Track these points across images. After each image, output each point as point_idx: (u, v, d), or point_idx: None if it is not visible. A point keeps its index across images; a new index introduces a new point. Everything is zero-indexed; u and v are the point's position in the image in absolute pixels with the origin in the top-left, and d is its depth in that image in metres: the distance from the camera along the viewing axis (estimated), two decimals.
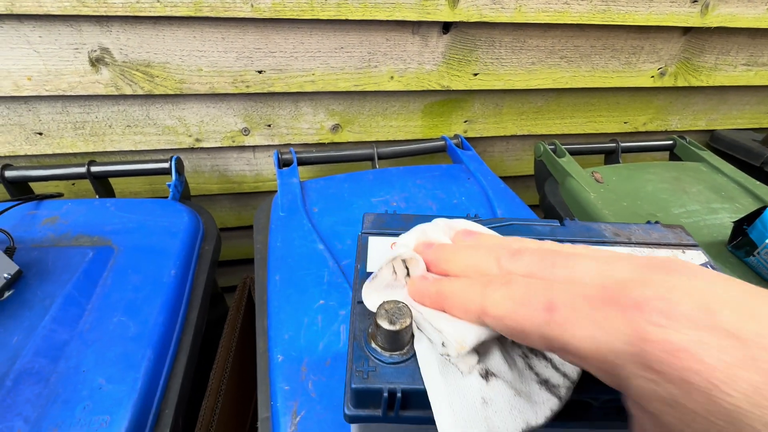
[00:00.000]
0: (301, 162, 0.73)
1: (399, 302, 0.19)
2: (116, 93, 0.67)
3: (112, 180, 0.73)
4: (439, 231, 0.24)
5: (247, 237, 0.94)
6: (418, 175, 0.71)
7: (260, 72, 0.69)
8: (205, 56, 0.66)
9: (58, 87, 0.64)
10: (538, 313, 0.15)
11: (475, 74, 0.77)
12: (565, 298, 0.15)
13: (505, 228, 0.28)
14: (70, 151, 0.73)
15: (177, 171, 0.68)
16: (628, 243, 0.27)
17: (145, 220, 0.61)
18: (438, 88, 0.77)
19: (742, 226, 0.59)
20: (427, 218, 0.28)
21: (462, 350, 0.17)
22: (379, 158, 0.77)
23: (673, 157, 0.90)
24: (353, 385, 0.18)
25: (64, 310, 0.47)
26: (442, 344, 0.18)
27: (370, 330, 0.20)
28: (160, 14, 0.59)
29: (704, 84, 0.89)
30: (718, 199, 0.73)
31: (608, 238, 0.27)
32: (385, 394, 0.18)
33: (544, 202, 0.81)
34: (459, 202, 0.65)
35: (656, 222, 0.30)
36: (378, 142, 0.84)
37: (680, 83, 0.88)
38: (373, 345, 0.20)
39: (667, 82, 0.87)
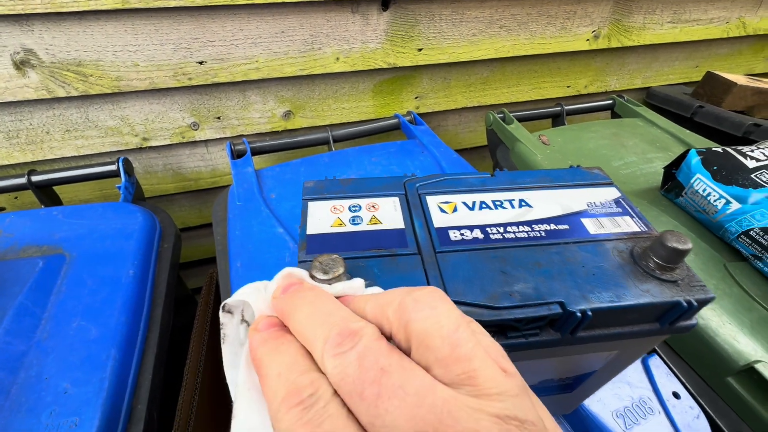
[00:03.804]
0: (256, 152, 0.73)
1: (332, 255, 0.20)
2: (49, 96, 0.63)
3: (58, 189, 0.70)
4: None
5: (211, 235, 0.93)
6: (373, 153, 0.72)
7: (201, 63, 0.67)
8: (140, 50, 0.63)
9: None
10: None
11: (420, 49, 0.79)
12: None
13: (439, 183, 0.29)
14: (7, 163, 0.69)
15: (126, 172, 0.66)
16: (552, 186, 0.30)
17: (96, 224, 0.59)
18: (385, 66, 0.78)
19: (671, 170, 0.64)
20: (367, 181, 0.30)
21: None
22: (335, 141, 0.77)
23: (615, 115, 0.96)
24: None
25: (18, 322, 0.46)
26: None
27: None
28: (84, 9, 0.56)
29: (636, 43, 0.95)
30: (653, 149, 0.79)
31: (533, 183, 0.30)
32: None
33: (496, 168, 0.84)
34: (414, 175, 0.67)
35: (578, 166, 0.32)
36: (332, 126, 0.84)
37: (614, 44, 0.92)
38: None
39: (601, 44, 0.91)
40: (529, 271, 0.23)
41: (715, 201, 0.56)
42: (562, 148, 0.79)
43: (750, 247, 0.52)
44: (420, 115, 0.91)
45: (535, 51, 0.87)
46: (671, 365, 0.48)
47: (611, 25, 0.89)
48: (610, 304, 0.21)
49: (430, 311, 0.15)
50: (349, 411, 0.14)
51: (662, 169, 0.66)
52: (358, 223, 0.25)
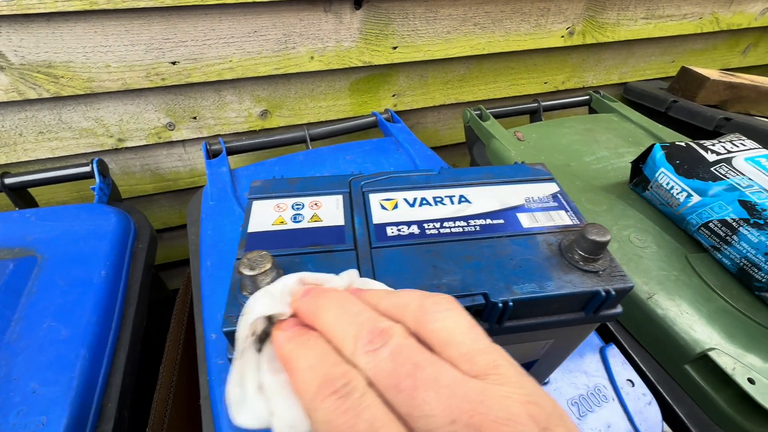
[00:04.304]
0: (232, 151, 0.73)
1: (261, 251, 0.21)
2: (20, 98, 0.63)
3: (35, 191, 0.70)
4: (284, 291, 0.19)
5: None
6: (348, 151, 0.73)
7: (174, 63, 0.68)
8: (111, 51, 0.63)
9: None
10: None
11: (395, 47, 0.79)
12: None
13: (384, 180, 0.30)
14: None
15: (100, 173, 0.67)
16: (493, 182, 0.31)
17: (69, 226, 0.59)
18: (360, 64, 0.79)
19: (638, 165, 0.65)
20: (314, 180, 0.30)
21: None
22: (312, 140, 0.78)
23: (591, 111, 0.97)
24: (223, 329, 0.20)
25: None
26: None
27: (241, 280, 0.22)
28: (52, 10, 0.56)
29: (611, 39, 0.96)
30: (625, 144, 0.80)
31: (476, 179, 0.31)
32: None
33: (472, 164, 0.85)
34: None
35: (522, 162, 0.33)
36: (310, 125, 0.84)
37: (589, 41, 0.94)
38: (244, 293, 0.22)
39: (576, 40, 0.93)
40: (459, 264, 0.24)
41: (677, 194, 0.57)
42: (536, 144, 0.80)
43: (709, 238, 0.54)
44: (398, 112, 0.91)
45: (511, 48, 0.88)
46: (632, 353, 0.49)
47: (585, 21, 0.90)
48: (531, 295, 0.22)
49: (448, 312, 0.16)
50: (385, 402, 0.14)
51: (630, 164, 0.67)
52: (300, 221, 0.26)
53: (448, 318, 0.16)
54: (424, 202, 0.28)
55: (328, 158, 0.71)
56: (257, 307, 0.18)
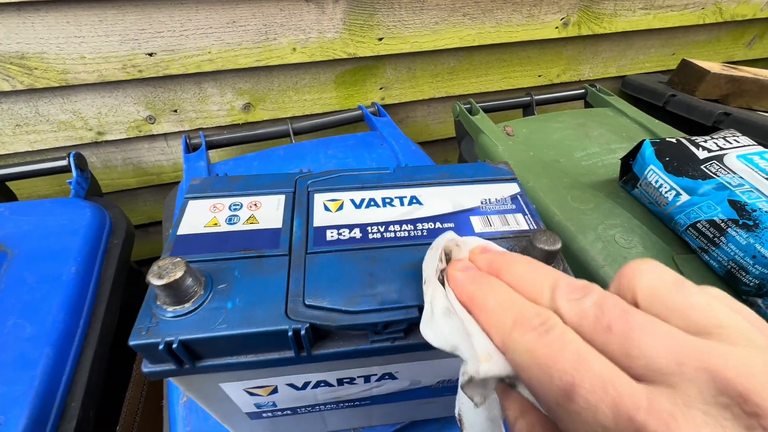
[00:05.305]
0: (212, 145, 0.72)
1: (175, 258, 0.20)
2: None
3: (14, 184, 0.70)
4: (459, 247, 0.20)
5: None
6: (330, 145, 0.71)
7: (151, 54, 0.66)
8: (85, 42, 0.62)
9: None
10: (554, 386, 0.13)
11: (380, 39, 0.77)
12: (588, 381, 0.12)
13: (332, 179, 0.29)
14: None
15: (78, 167, 0.65)
16: (450, 182, 0.29)
17: (43, 221, 0.59)
18: (345, 56, 0.77)
19: (628, 161, 0.63)
20: (258, 178, 0.29)
21: (486, 363, 0.15)
22: (295, 133, 0.76)
23: (587, 105, 0.94)
24: (130, 342, 0.19)
25: None
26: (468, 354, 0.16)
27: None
28: None
29: (608, 31, 0.92)
30: (618, 140, 0.77)
31: (431, 179, 0.29)
32: (161, 346, 0.19)
33: (461, 160, 0.83)
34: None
35: (484, 161, 0.31)
36: (294, 118, 0.83)
37: (584, 32, 0.90)
38: (159, 303, 0.20)
39: (571, 31, 0.89)
40: (398, 272, 0.22)
41: (666, 192, 0.55)
42: (526, 139, 0.78)
43: (697, 239, 0.51)
44: (387, 106, 0.89)
45: (502, 39, 0.85)
46: None
47: (580, 12, 0.87)
48: None
49: (653, 269, 0.15)
50: (589, 343, 0.14)
51: (620, 161, 0.65)
52: (234, 223, 0.25)
53: (652, 273, 0.15)
54: (372, 203, 0.26)
55: (308, 153, 0.69)
56: (445, 235, 0.20)
